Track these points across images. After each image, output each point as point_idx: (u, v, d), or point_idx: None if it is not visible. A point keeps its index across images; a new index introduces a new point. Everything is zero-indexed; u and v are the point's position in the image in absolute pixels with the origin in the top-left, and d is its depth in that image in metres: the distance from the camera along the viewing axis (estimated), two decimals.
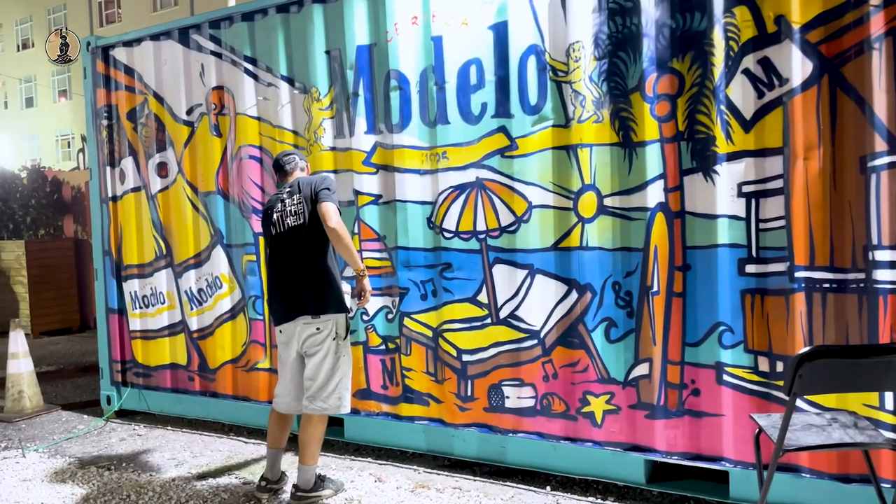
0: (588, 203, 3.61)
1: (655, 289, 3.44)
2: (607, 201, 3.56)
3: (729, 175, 3.26)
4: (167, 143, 5.11)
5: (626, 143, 3.51)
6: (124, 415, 5.41)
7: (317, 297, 3.57)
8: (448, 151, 3.99)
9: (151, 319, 5.27)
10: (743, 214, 3.24)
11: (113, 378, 5.44)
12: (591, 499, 3.62)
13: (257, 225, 4.70)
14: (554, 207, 3.71)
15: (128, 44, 5.26)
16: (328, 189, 3.55)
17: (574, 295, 3.67)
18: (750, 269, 3.24)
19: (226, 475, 4.13)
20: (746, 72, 3.20)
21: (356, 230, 4.31)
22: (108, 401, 5.44)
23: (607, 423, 3.62)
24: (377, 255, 4.26)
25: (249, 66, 4.69)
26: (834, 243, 3.07)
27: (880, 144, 2.94)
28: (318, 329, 3.56)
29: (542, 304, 3.76)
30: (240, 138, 4.75)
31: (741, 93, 3.21)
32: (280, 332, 3.69)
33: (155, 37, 5.11)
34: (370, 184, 4.26)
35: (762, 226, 3.21)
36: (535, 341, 3.78)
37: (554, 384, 3.75)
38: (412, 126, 4.10)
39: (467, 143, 3.93)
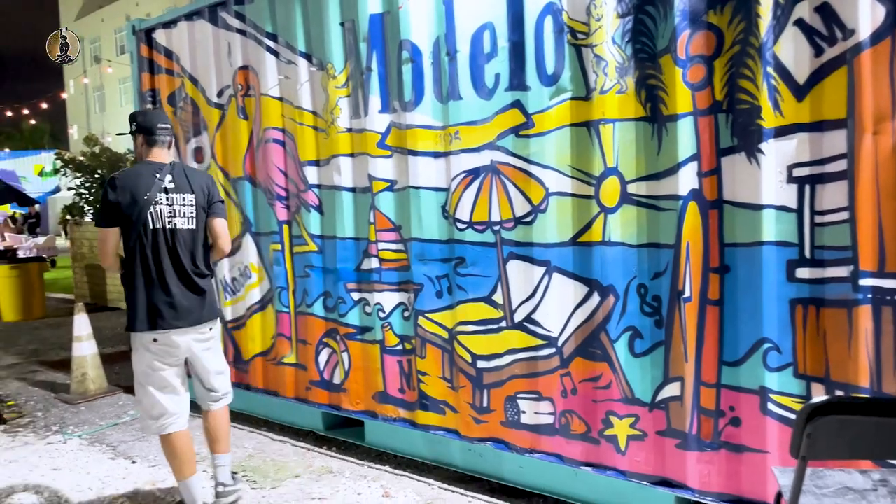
0: (610, 190, 3.03)
1: (687, 294, 2.83)
2: (631, 188, 2.97)
3: (777, 155, 2.59)
4: (202, 127, 4.97)
5: (654, 117, 2.89)
6: None
7: (210, 303, 3.40)
8: (461, 131, 3.52)
9: None
10: (794, 205, 2.57)
11: None
12: None
13: (282, 212, 4.47)
14: (573, 195, 3.16)
15: (166, 25, 5.15)
16: (222, 202, 3.31)
17: (595, 298, 3.13)
18: (802, 273, 2.57)
19: (238, 476, 3.95)
20: (800, 23, 2.50)
21: (371, 219, 3.95)
22: None
23: (632, 451, 3.07)
24: (393, 246, 3.89)
25: (271, 44, 4.42)
26: None
27: None
28: (210, 329, 3.42)
29: (560, 307, 3.25)
30: (264, 120, 4.51)
31: (793, 51, 2.52)
32: (156, 339, 3.24)
33: (189, 16, 4.95)
34: (385, 168, 3.87)
35: (818, 219, 2.52)
36: (553, 350, 3.28)
37: (573, 400, 3.23)
38: (425, 103, 3.66)
39: (481, 121, 3.44)
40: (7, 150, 34.77)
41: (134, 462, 4.27)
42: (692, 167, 2.78)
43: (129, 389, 5.86)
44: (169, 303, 3.25)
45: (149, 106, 5.30)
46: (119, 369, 6.43)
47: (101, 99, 46.62)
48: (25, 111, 27.98)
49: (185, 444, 3.34)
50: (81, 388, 5.72)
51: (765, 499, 2.71)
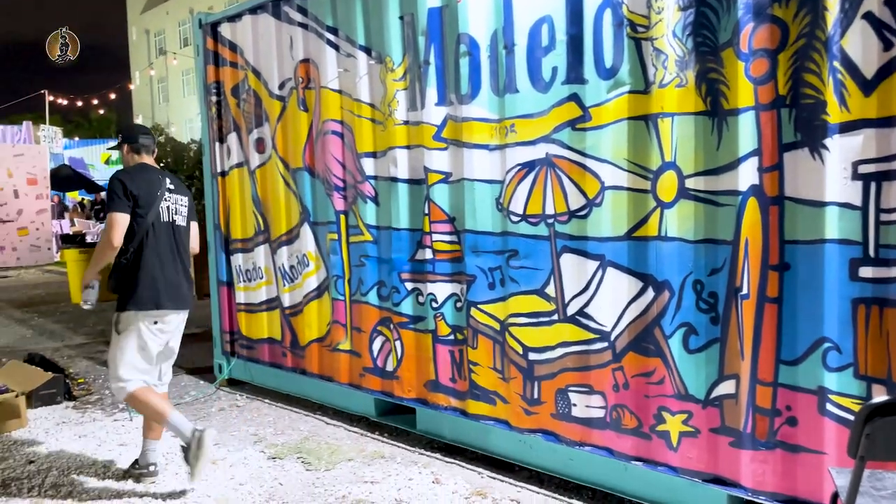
0: (668, 185, 3.01)
1: (745, 291, 2.80)
2: (689, 183, 2.94)
3: (842, 151, 2.53)
4: (264, 118, 5.11)
5: (715, 111, 2.86)
6: (234, 383, 5.62)
7: (191, 293, 3.81)
8: (516, 124, 3.54)
9: (253, 293, 5.38)
10: (859, 202, 2.51)
11: (223, 348, 5.66)
12: None
13: (339, 202, 4.57)
14: (629, 189, 3.15)
15: (231, 19, 5.30)
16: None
17: (650, 293, 3.11)
18: (865, 272, 2.51)
19: (293, 457, 4.09)
20: (869, 16, 2.43)
21: (426, 210, 4.01)
22: (220, 369, 5.68)
23: (684, 447, 3.05)
24: (447, 238, 3.94)
25: (331, 37, 4.51)
26: None
27: None
28: (185, 315, 3.77)
29: (613, 301, 3.24)
30: (324, 112, 4.61)
31: (861, 44, 2.46)
32: (157, 320, 3.58)
33: (253, 10, 5.09)
34: (440, 161, 3.92)
35: (884, 217, 2.46)
36: (605, 344, 3.28)
37: (625, 395, 3.23)
38: (481, 96, 3.69)
39: (537, 115, 3.45)
40: (77, 138, 36.12)
41: None
42: (753, 162, 2.74)
43: (191, 371, 6.10)
44: (171, 288, 3.61)
45: (213, 98, 5.47)
46: (182, 351, 6.65)
47: (164, 90, 48.02)
48: (94, 101, 29.04)
49: (154, 395, 3.66)
50: None
51: (820, 500, 2.67)
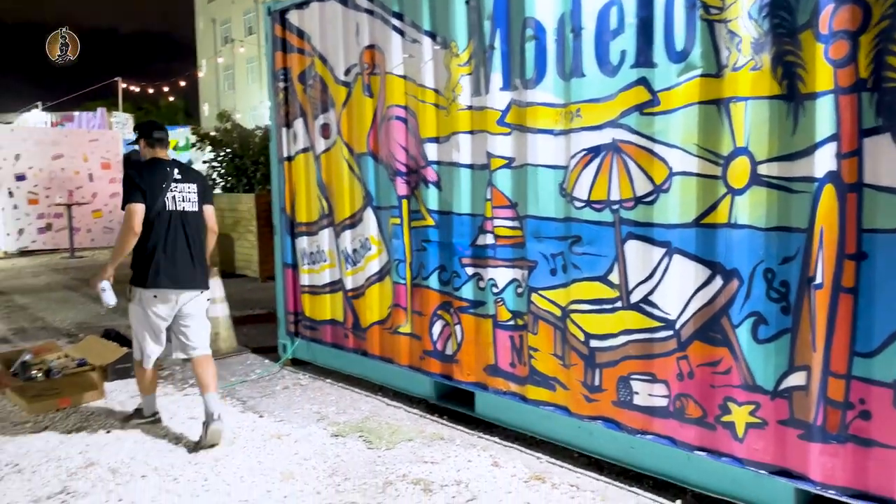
0: (739, 171, 2.94)
1: (819, 281, 2.72)
2: (762, 169, 2.87)
3: None
4: (329, 104, 5.20)
5: (791, 95, 2.77)
6: (298, 363, 5.76)
7: (205, 273, 4.21)
8: (582, 109, 3.51)
9: (317, 275, 5.50)
10: None
11: (287, 328, 5.81)
12: None
13: (402, 187, 4.62)
14: (698, 175, 3.09)
15: (299, 6, 5.39)
16: (211, 194, 4.19)
17: (718, 281, 3.06)
18: None
19: (355, 435, 4.18)
20: None
21: (488, 196, 4.02)
22: (284, 349, 5.84)
23: (751, 438, 2.99)
24: (508, 223, 3.94)
25: (397, 23, 4.55)
26: None
27: None
28: (200, 293, 4.19)
29: (679, 289, 3.20)
30: (388, 98, 4.66)
31: None
32: (157, 296, 4.03)
33: None
34: (503, 146, 3.92)
35: None
36: (670, 332, 3.24)
37: (689, 384, 3.19)
38: (547, 80, 3.67)
39: (604, 99, 3.41)
40: None
41: (261, 416, 4.59)
42: (830, 148, 2.66)
43: (257, 350, 6.29)
44: (173, 268, 4.04)
45: (280, 84, 5.59)
46: (246, 331, 6.88)
47: (230, 77, 49.14)
48: (165, 89, 30.03)
49: (153, 375, 4.38)
50: (213, 346, 6.11)
51: (892, 496, 2.59)
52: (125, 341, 5.34)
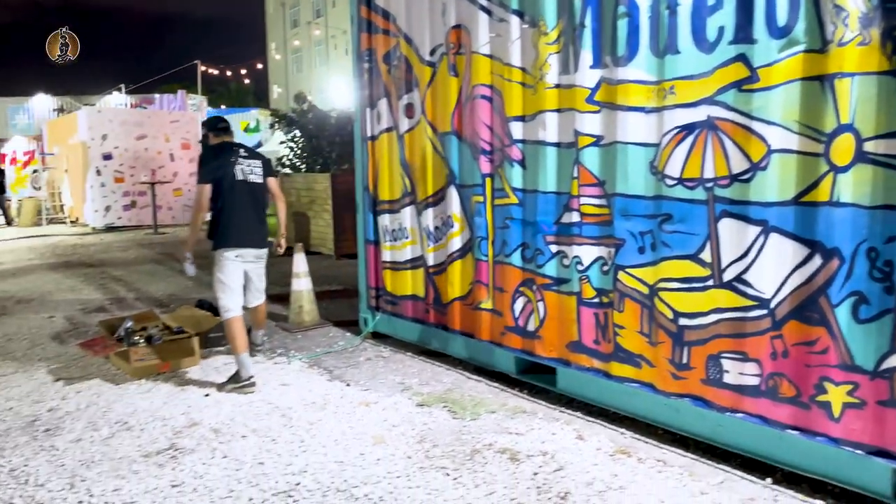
0: (843, 148, 2.89)
1: None
2: (868, 146, 2.81)
3: None
4: (413, 84, 5.30)
5: None
6: (378, 337, 5.94)
7: (265, 235, 5.05)
8: (676, 86, 3.49)
9: (398, 252, 5.64)
10: None
11: (368, 303, 5.99)
12: (818, 502, 3.04)
13: (485, 166, 4.69)
14: (799, 152, 3.05)
15: None
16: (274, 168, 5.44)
17: (817, 260, 3.02)
18: None
19: (439, 405, 4.31)
20: None
21: (575, 174, 4.05)
22: (365, 323, 6.02)
23: (847, 419, 2.97)
24: (595, 201, 3.97)
25: (484, 2, 4.59)
26: None
27: None
28: (264, 251, 5.04)
29: (775, 268, 3.17)
30: (474, 77, 4.72)
31: None
32: (238, 254, 4.81)
33: None
34: (592, 124, 3.94)
35: None
36: (764, 311, 3.22)
37: (783, 363, 3.17)
38: (639, 57, 3.66)
39: (699, 76, 3.39)
40: (223, 106, 38.49)
41: (348, 385, 4.77)
42: None
43: (338, 324, 6.50)
44: (247, 229, 4.84)
45: (365, 65, 5.72)
46: (325, 305, 7.11)
47: (298, 60, 50.06)
48: (242, 71, 30.90)
49: (241, 329, 4.78)
50: (298, 319, 6.42)
51: None
52: (217, 311, 5.60)
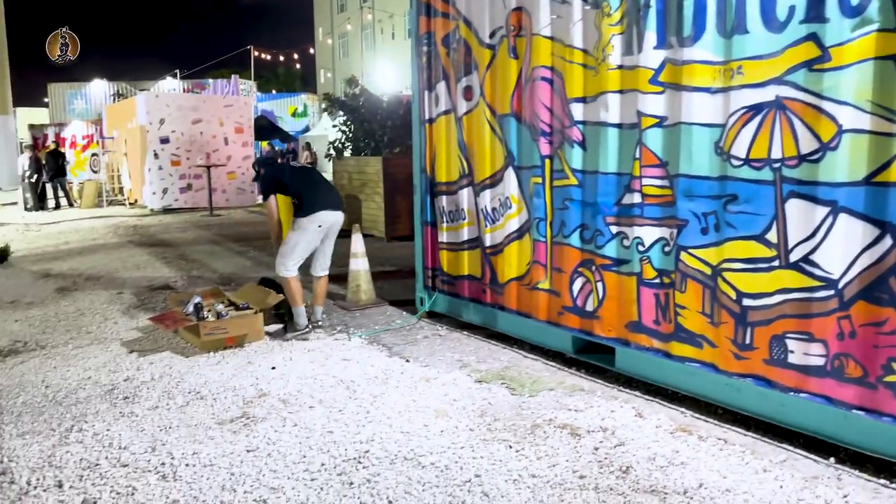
0: None
1: None
2: None
3: None
4: (472, 66, 5.36)
5: None
6: (434, 316, 6.06)
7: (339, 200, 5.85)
8: (744, 66, 3.49)
9: (455, 233, 5.73)
10: None
11: (425, 282, 6.11)
12: (882, 482, 3.05)
13: (545, 147, 4.74)
14: (871, 132, 3.03)
15: None
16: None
17: (887, 241, 3.01)
18: None
19: (498, 382, 4.41)
20: None
21: (637, 155, 4.07)
22: (421, 302, 6.14)
23: None
24: (657, 182, 3.99)
25: None
26: None
27: None
28: (342, 214, 5.72)
29: (844, 249, 3.16)
30: (534, 59, 4.76)
31: None
32: (320, 225, 5.50)
33: None
34: (655, 105, 3.95)
35: None
36: (832, 292, 3.22)
37: (850, 344, 3.17)
38: (706, 38, 3.66)
39: (768, 56, 3.38)
40: (274, 91, 39.07)
41: (408, 361, 4.90)
42: None
43: (393, 303, 6.64)
44: (325, 198, 5.61)
45: (424, 48, 5.79)
46: (380, 286, 7.24)
47: (345, 45, 50.39)
48: (295, 56, 31.37)
49: (299, 286, 5.60)
50: (355, 297, 6.58)
51: None
52: (280, 289, 5.80)
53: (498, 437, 3.60)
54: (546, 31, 4.64)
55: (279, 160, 19.22)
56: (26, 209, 16.88)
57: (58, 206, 17.92)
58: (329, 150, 12.62)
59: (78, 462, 3.44)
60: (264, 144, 28.21)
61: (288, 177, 5.69)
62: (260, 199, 17.86)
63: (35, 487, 3.20)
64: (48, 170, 17.44)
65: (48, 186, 17.68)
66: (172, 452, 3.53)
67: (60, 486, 3.21)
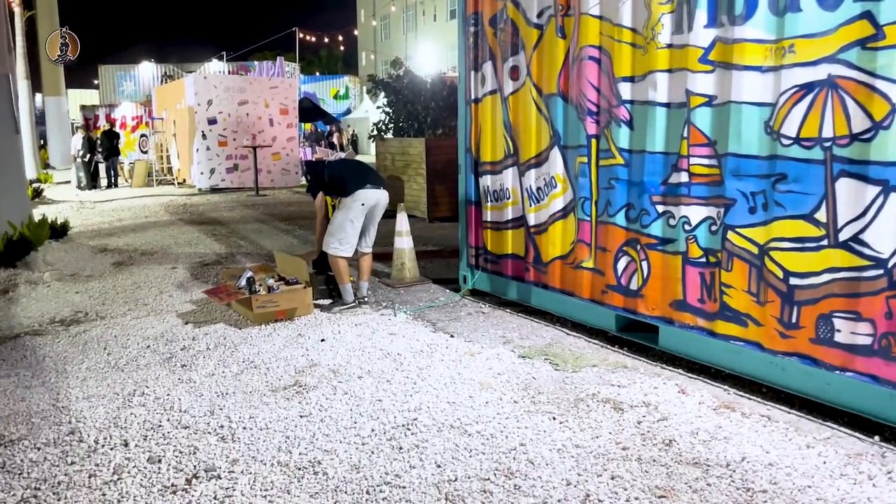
0: None
1: None
2: None
3: None
4: (520, 46, 5.39)
5: None
6: (476, 294, 6.16)
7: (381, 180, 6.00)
8: (796, 44, 3.47)
9: (499, 212, 5.81)
10: None
11: (469, 261, 6.20)
12: None
13: (591, 126, 4.77)
14: None
15: None
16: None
17: None
18: None
19: (541, 358, 4.50)
20: None
21: (685, 133, 4.08)
22: (465, 280, 6.25)
23: None
24: (705, 161, 4.00)
25: None
26: None
27: None
28: (385, 193, 5.87)
29: (894, 228, 3.15)
30: (581, 39, 4.78)
31: None
32: (363, 203, 5.64)
33: None
34: (704, 83, 3.95)
35: None
36: (881, 272, 3.21)
37: None
38: (757, 16, 3.65)
39: (821, 34, 3.36)
40: (318, 73, 39.40)
41: (452, 336, 5.02)
42: None
43: (437, 281, 6.76)
44: (366, 178, 5.76)
45: (471, 28, 5.84)
46: (423, 265, 7.37)
47: (386, 27, 50.43)
48: (339, 38, 31.62)
49: (346, 265, 5.81)
50: (400, 275, 6.72)
51: None
52: (327, 266, 5.95)
53: (542, 410, 3.69)
54: (594, 11, 4.66)
55: (318, 145, 19.67)
56: (79, 187, 17.44)
57: (110, 185, 18.47)
58: (372, 130, 12.75)
59: (141, 423, 3.64)
60: (308, 126, 28.55)
61: (327, 176, 5.87)
62: (303, 179, 18.44)
63: (103, 446, 3.40)
64: (103, 149, 17.98)
65: (101, 166, 18.23)
66: (230, 416, 3.71)
67: (126, 444, 3.41)
